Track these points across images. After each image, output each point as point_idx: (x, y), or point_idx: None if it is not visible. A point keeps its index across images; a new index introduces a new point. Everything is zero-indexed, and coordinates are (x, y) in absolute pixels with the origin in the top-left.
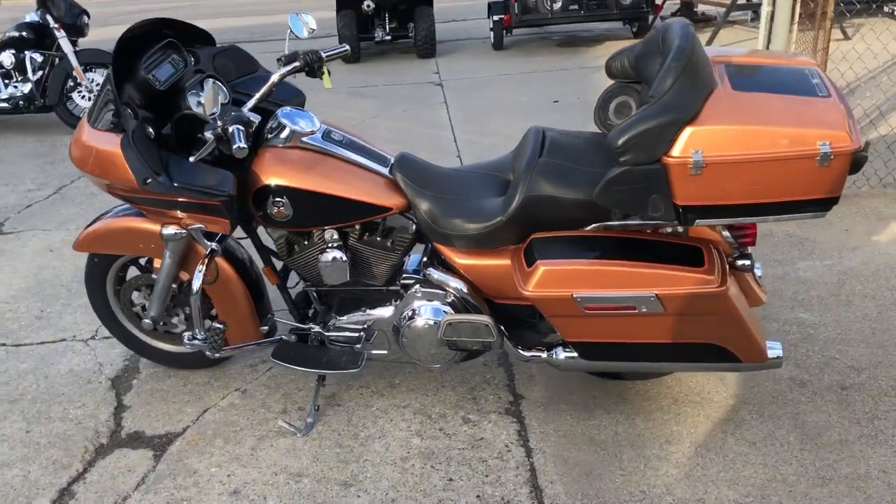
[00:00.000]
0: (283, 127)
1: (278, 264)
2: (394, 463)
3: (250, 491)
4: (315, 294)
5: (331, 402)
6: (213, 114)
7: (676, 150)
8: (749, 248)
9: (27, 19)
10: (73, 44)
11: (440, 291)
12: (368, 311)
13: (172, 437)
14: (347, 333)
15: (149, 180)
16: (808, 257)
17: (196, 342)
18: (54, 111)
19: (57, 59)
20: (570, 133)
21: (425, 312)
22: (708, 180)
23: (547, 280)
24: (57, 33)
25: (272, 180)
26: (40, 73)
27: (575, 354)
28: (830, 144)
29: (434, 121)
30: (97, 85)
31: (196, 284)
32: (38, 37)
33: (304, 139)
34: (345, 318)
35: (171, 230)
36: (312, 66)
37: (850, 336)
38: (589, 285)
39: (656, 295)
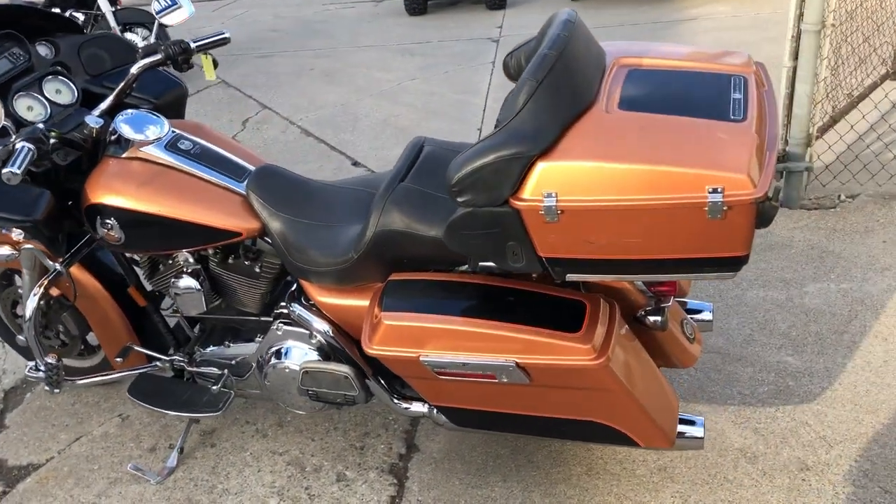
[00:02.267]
0: (119, 135)
1: None
2: None
3: None
4: (185, 321)
5: (206, 441)
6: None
7: (526, 191)
8: (668, 300)
9: None
10: (113, 3)
11: (304, 331)
12: (235, 345)
13: (29, 471)
14: (212, 368)
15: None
16: (823, 278)
17: (38, 374)
18: None
19: (98, 18)
20: (455, 146)
21: (285, 355)
22: (568, 229)
23: (390, 337)
24: None
25: (97, 198)
26: None
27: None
28: (723, 191)
29: (471, 85)
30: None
31: (28, 309)
32: None
33: (144, 149)
34: (209, 350)
35: (4, 251)
36: (176, 58)
37: (837, 393)
38: (438, 346)
39: (516, 363)
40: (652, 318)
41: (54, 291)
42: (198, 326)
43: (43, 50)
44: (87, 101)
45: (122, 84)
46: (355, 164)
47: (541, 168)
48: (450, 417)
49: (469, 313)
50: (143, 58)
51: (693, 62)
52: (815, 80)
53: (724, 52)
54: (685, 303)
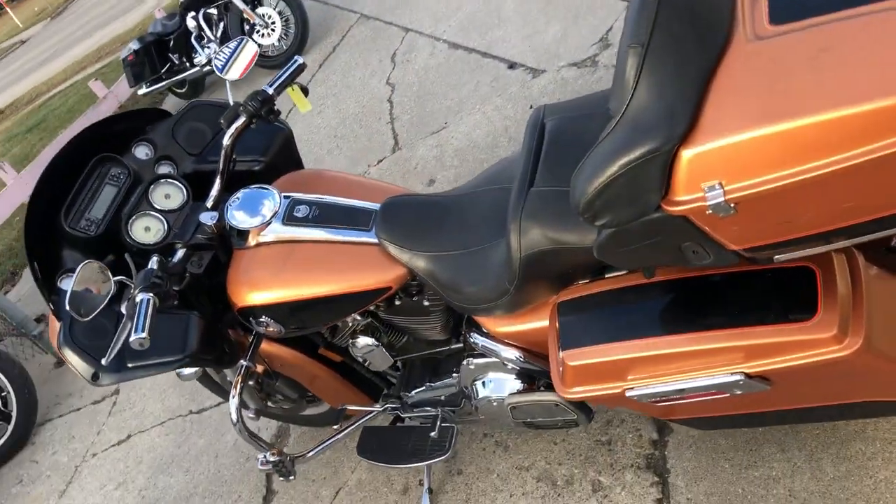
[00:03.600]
0: (235, 228)
1: None
2: None
3: None
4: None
5: (452, 469)
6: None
7: (680, 190)
8: None
9: None
10: None
11: (493, 360)
12: (437, 381)
13: None
14: (426, 409)
15: (98, 376)
16: None
17: (268, 467)
18: None
19: (228, 5)
20: (580, 106)
21: (487, 389)
22: (754, 218)
23: (581, 378)
24: None
25: (241, 302)
26: (221, 25)
27: None
28: None
29: None
30: (270, 19)
31: (233, 413)
32: None
33: (265, 233)
34: (414, 393)
35: (186, 371)
36: (259, 113)
37: None
38: (640, 376)
39: (745, 375)
40: None
41: (259, 368)
42: (398, 363)
43: (141, 152)
44: (203, 183)
45: (220, 164)
46: (511, 66)
47: (688, 158)
48: (690, 425)
49: (663, 328)
50: (227, 127)
51: None
52: None
53: None
54: None
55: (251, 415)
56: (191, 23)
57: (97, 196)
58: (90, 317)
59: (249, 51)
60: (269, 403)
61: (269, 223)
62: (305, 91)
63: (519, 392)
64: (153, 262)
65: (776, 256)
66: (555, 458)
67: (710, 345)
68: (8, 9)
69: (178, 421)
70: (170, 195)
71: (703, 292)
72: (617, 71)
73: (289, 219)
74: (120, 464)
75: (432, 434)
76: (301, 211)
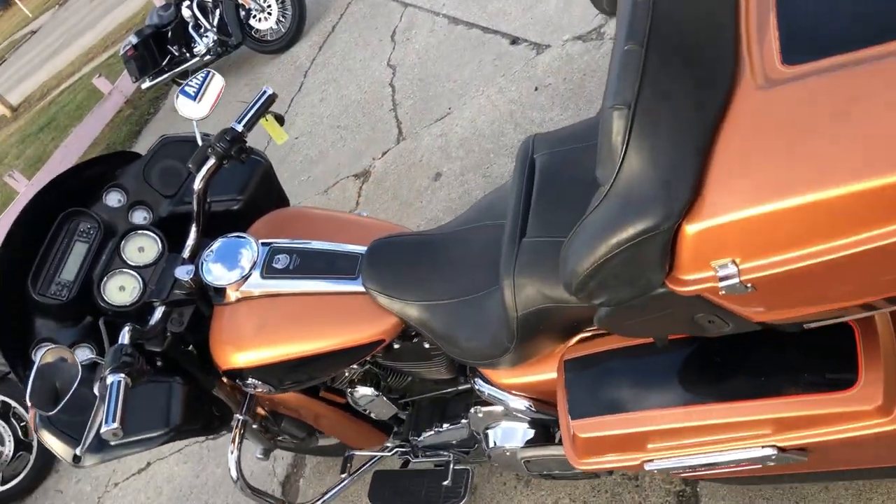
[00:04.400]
0: (213, 286)
1: None
2: None
3: None
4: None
5: None
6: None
7: (685, 269)
8: None
9: None
10: None
11: (500, 408)
12: (446, 425)
13: None
14: (438, 453)
15: (79, 459)
16: None
17: None
18: (245, 45)
19: None
20: (574, 138)
21: (496, 439)
22: (776, 295)
23: (593, 450)
24: None
25: (225, 364)
26: (217, 12)
27: None
28: None
29: None
30: (266, 2)
31: (232, 470)
32: None
33: (244, 288)
34: (423, 437)
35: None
36: (229, 153)
37: None
38: (659, 449)
39: (778, 449)
40: None
41: (260, 412)
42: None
43: (113, 199)
44: (182, 226)
45: (194, 210)
46: (514, 42)
47: (693, 233)
48: (721, 481)
49: (682, 397)
50: (197, 171)
51: None
52: None
53: None
54: None
55: (259, 455)
56: (186, 13)
57: (67, 256)
58: (54, 411)
59: (216, 85)
60: (279, 438)
61: (248, 276)
62: (281, 120)
63: (532, 444)
64: (124, 335)
65: (805, 325)
66: (579, 496)
67: (735, 418)
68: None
69: (195, 448)
70: (143, 248)
71: (724, 353)
72: (601, 131)
73: (268, 270)
74: (141, 494)
75: (445, 484)
76: (281, 261)
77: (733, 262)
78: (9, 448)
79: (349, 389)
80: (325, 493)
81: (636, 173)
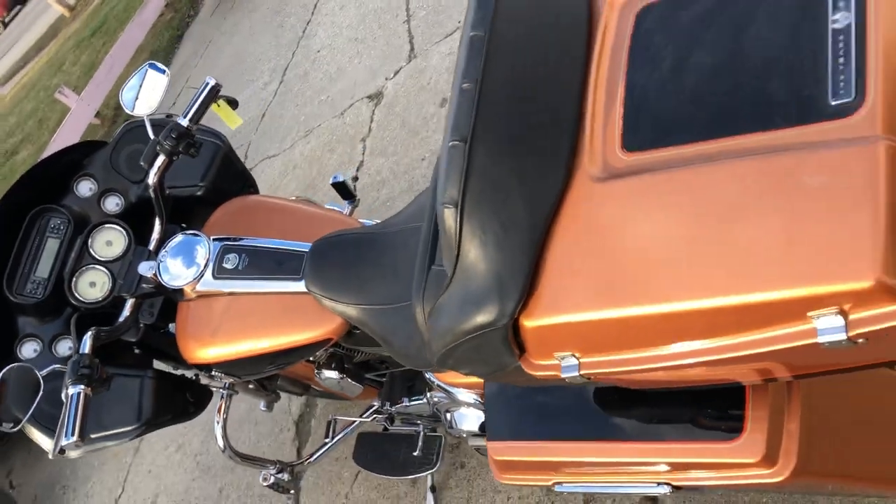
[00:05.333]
0: (168, 286)
1: None
2: None
3: None
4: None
5: (455, 462)
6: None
7: (534, 357)
8: None
9: None
10: None
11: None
12: (415, 400)
13: None
14: (411, 423)
15: (64, 451)
16: None
17: (268, 485)
18: None
19: None
20: None
21: (453, 422)
22: (627, 383)
23: (507, 471)
24: None
25: (189, 358)
26: None
27: None
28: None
29: None
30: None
31: (219, 439)
32: None
33: (199, 286)
34: (395, 407)
35: None
36: (177, 149)
37: None
38: (568, 475)
39: (672, 486)
40: None
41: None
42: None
43: (85, 188)
44: (150, 214)
45: (154, 204)
46: None
47: (530, 328)
48: None
49: (589, 432)
50: (149, 168)
51: None
52: None
53: None
54: None
55: (263, 407)
56: None
57: (40, 253)
58: (16, 428)
59: (155, 80)
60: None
61: (202, 276)
62: (234, 104)
63: (483, 432)
64: (85, 343)
65: None
66: None
67: (635, 458)
68: None
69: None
70: (111, 241)
71: (631, 393)
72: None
73: (219, 271)
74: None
75: (415, 453)
76: (230, 261)
77: (573, 355)
78: None
79: (315, 372)
80: (313, 454)
81: (472, 267)
